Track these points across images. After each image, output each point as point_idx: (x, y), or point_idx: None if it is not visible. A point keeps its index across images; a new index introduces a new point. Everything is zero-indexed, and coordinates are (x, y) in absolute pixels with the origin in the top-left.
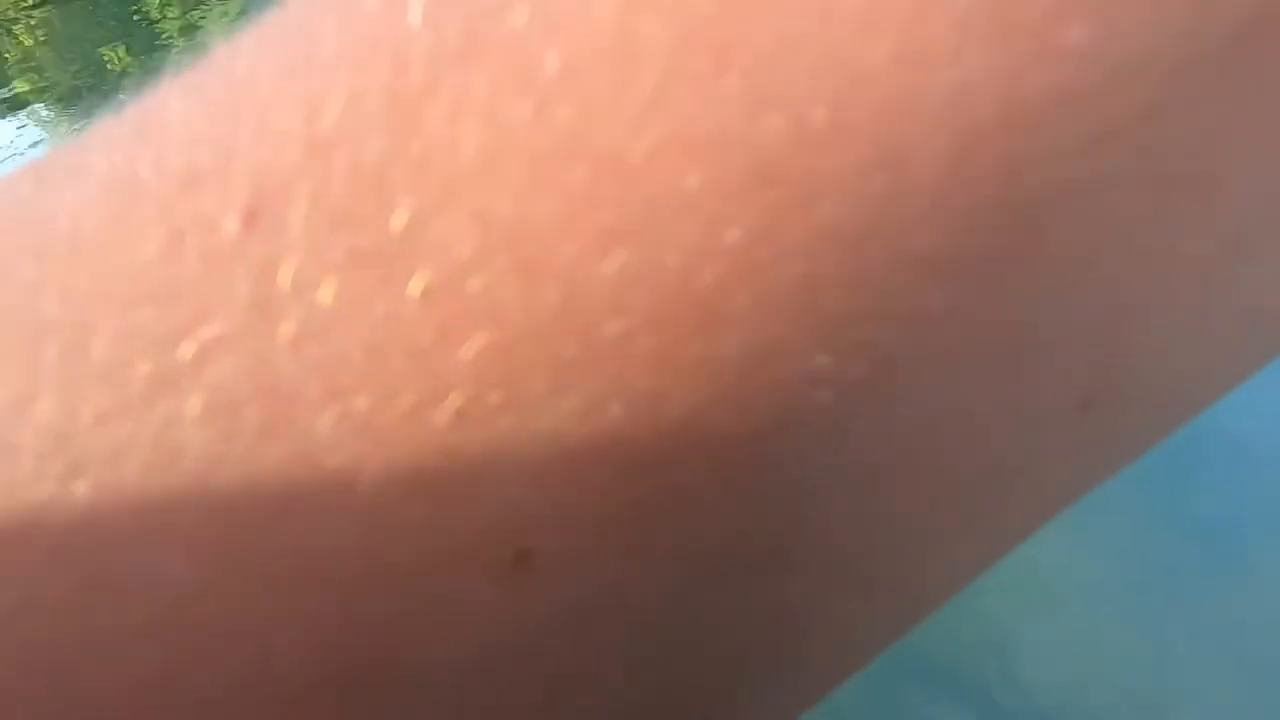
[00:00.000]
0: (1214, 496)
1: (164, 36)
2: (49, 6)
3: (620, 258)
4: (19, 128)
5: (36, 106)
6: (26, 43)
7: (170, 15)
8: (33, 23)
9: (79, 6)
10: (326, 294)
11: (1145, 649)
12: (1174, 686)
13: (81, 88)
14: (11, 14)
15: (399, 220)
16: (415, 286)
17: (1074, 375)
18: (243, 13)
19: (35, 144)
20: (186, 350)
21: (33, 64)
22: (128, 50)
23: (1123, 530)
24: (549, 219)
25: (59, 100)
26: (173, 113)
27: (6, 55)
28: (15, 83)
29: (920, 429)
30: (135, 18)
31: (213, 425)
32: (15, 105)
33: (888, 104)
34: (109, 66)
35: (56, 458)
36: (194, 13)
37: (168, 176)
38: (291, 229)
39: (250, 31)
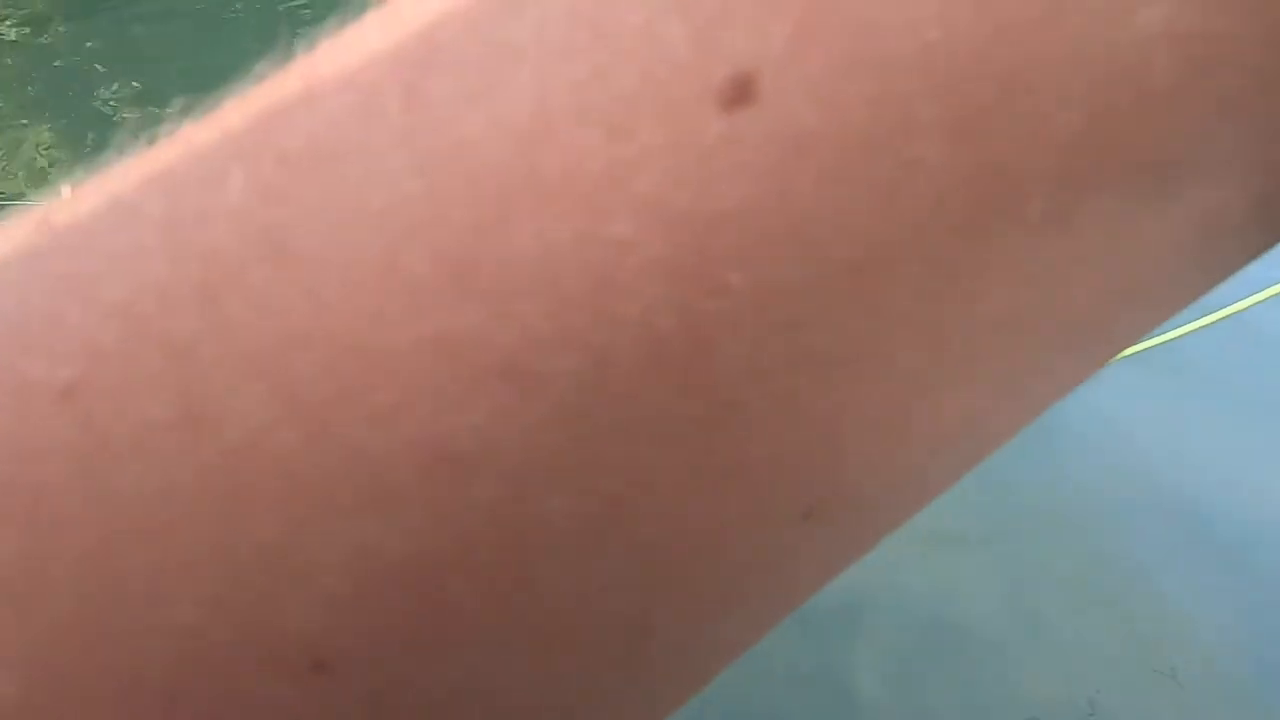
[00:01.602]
0: None
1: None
2: None
3: (388, 428)
4: None
5: None
6: None
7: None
8: None
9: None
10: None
11: None
12: None
13: None
14: None
15: (204, 390)
16: (219, 445)
17: (789, 494)
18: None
19: None
20: None
21: None
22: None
23: None
24: (329, 396)
25: None
26: (12, 275)
27: None
28: None
29: (656, 545)
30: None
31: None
32: None
33: (592, 321)
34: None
35: None
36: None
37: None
38: (111, 397)
39: (83, 199)
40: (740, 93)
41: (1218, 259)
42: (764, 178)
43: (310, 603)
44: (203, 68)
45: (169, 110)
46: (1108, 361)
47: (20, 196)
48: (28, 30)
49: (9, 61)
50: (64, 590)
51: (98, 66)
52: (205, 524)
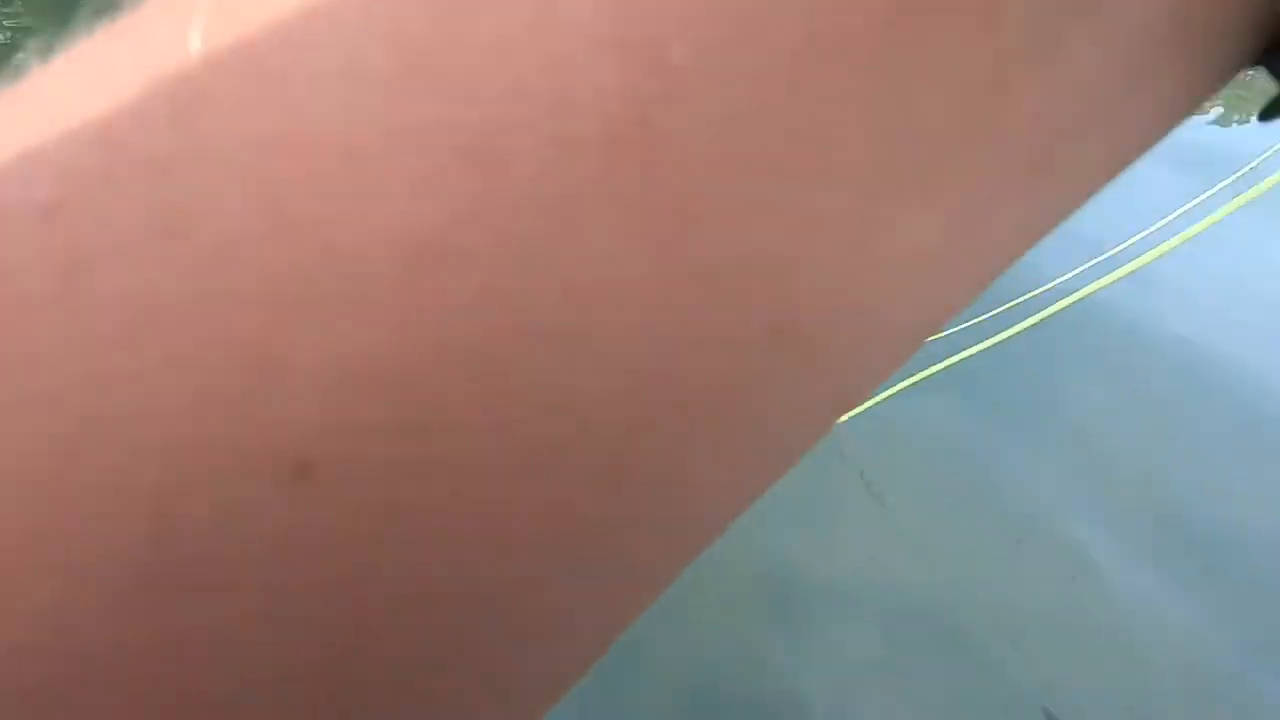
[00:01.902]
0: None
1: None
2: None
3: (363, 221)
4: None
5: None
6: None
7: None
8: None
9: None
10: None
11: None
12: None
13: None
14: None
15: (182, 199)
16: (199, 249)
17: (757, 303)
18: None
19: None
20: None
21: None
22: None
23: None
24: (303, 194)
25: None
26: None
27: None
28: None
29: (633, 347)
30: None
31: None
32: None
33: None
34: None
35: None
36: None
37: None
38: (91, 213)
39: (64, 55)
40: None
41: (1162, 89)
42: None
43: (292, 401)
44: None
45: None
46: (1066, 212)
47: None
48: None
49: None
50: (46, 400)
51: None
52: (186, 325)
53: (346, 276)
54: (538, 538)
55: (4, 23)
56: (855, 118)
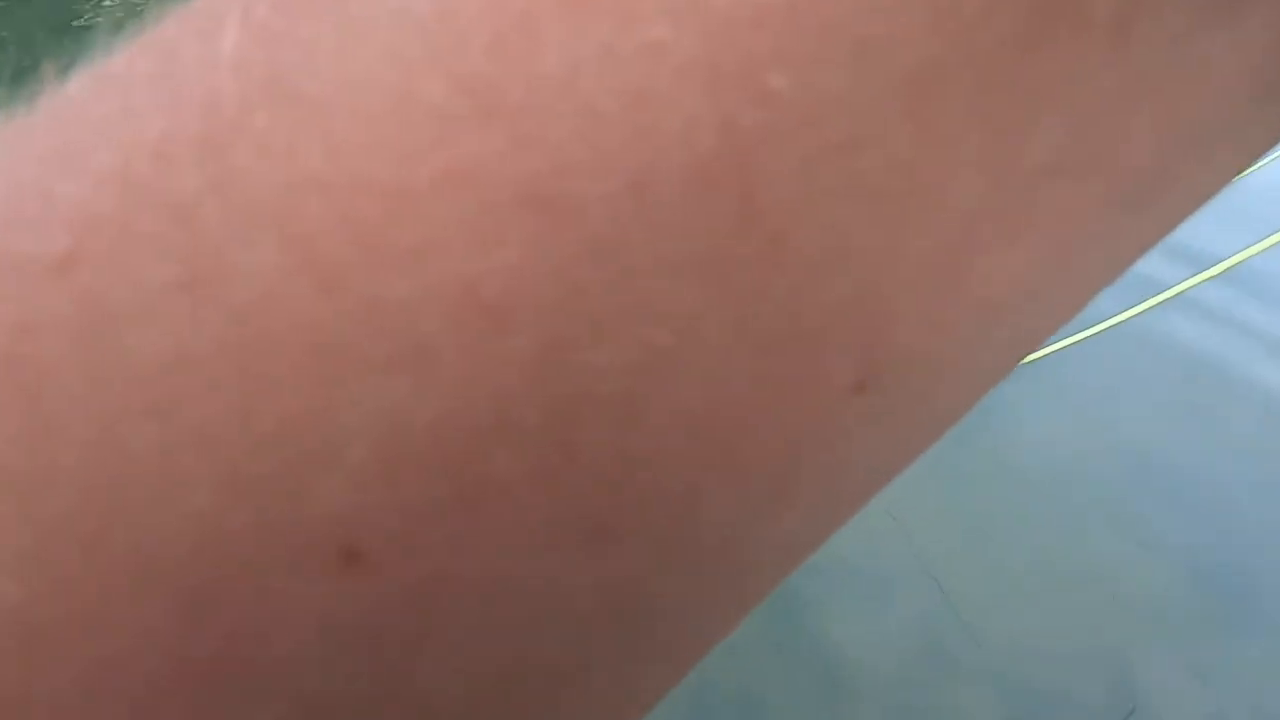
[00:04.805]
0: None
1: None
2: None
3: (414, 274)
4: None
5: None
6: None
7: None
8: None
9: None
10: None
11: None
12: None
13: None
14: None
15: (211, 249)
16: (231, 305)
17: (841, 359)
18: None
19: None
20: None
21: None
22: None
23: None
24: (347, 243)
25: None
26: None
27: None
28: None
29: (703, 411)
30: None
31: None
32: None
33: (627, 140)
34: None
35: None
36: None
37: None
38: (110, 265)
39: (80, 78)
40: None
41: (1276, 111)
42: None
43: (338, 479)
44: None
45: None
46: (1163, 236)
47: None
48: None
49: None
50: (69, 477)
51: None
52: (220, 394)
53: (395, 337)
54: (594, 614)
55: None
56: (966, 150)
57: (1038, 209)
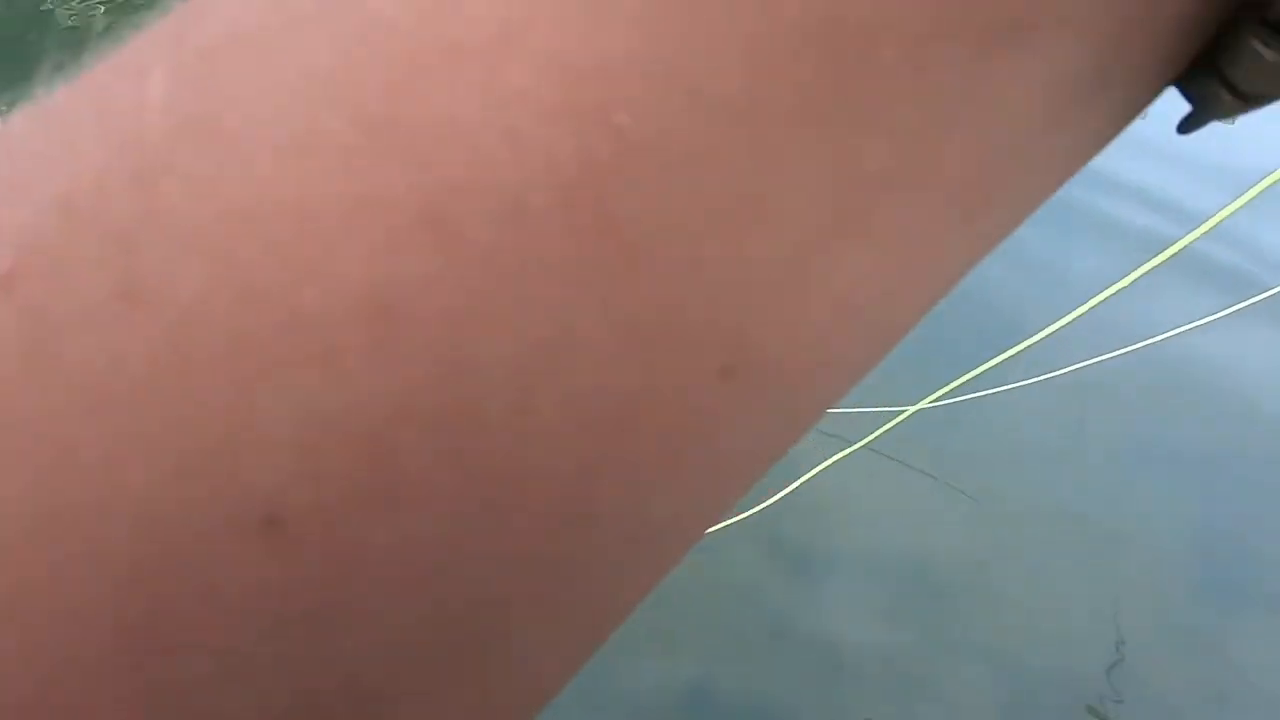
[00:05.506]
0: None
1: None
2: None
3: (323, 285)
4: None
5: None
6: None
7: None
8: None
9: None
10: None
11: None
12: None
13: None
14: None
15: (146, 268)
16: (164, 317)
17: (707, 348)
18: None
19: None
20: None
21: None
22: None
23: None
24: (265, 260)
25: None
26: None
27: None
28: None
29: (588, 394)
30: None
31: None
32: None
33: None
34: None
35: None
36: None
37: None
38: (51, 282)
39: (21, 114)
40: None
41: (1081, 123)
42: (635, 25)
43: (260, 458)
44: None
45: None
46: (1002, 238)
47: None
48: None
49: None
50: (16, 465)
51: None
52: (154, 392)
53: (307, 339)
54: (503, 575)
55: None
56: (795, 170)
57: (877, 218)
